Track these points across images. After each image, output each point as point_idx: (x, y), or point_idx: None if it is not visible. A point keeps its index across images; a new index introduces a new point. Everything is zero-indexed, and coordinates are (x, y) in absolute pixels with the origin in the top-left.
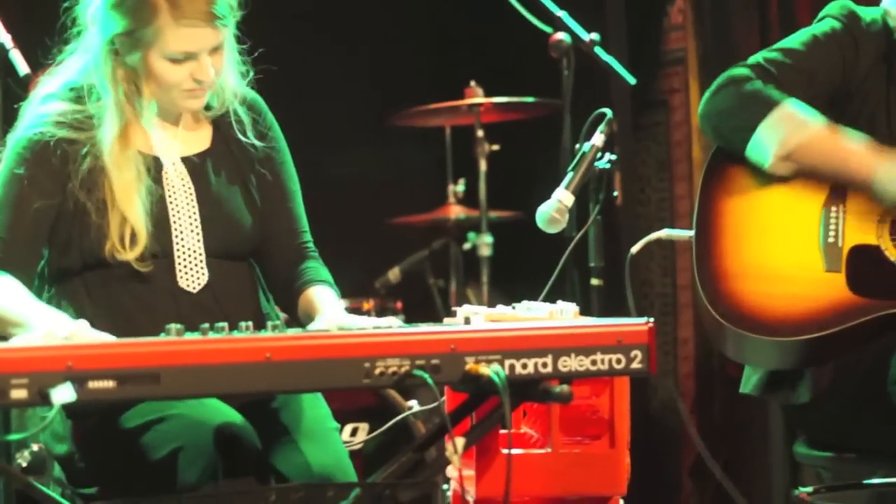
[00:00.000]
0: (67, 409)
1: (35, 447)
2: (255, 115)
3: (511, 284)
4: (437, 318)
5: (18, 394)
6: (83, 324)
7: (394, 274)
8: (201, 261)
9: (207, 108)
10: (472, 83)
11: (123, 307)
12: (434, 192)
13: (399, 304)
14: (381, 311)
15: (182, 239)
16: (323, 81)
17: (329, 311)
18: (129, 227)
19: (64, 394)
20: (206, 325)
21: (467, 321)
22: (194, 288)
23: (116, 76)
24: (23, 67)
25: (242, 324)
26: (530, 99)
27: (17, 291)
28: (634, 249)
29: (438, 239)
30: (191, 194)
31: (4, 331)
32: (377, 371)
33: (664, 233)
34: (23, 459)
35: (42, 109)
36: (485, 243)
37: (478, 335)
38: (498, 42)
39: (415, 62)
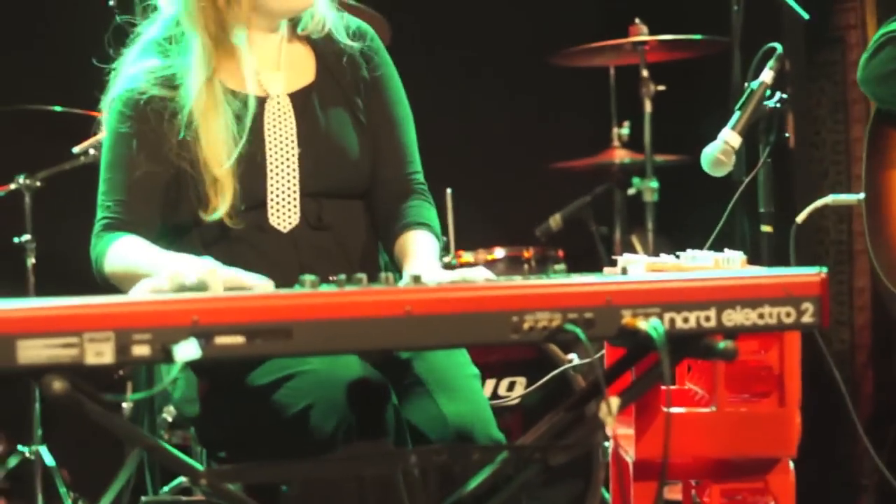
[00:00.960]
0: (195, 367)
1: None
2: (360, 34)
3: (677, 231)
4: (599, 267)
5: (141, 350)
6: (211, 261)
7: (555, 221)
8: (296, 201)
9: (304, 28)
10: (637, 20)
11: (244, 257)
12: (597, 135)
13: (560, 253)
14: (542, 260)
15: (279, 180)
16: (483, 21)
17: (414, 261)
18: (221, 184)
19: (188, 350)
20: (343, 277)
21: (625, 272)
22: (284, 228)
23: (199, 21)
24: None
25: (382, 275)
26: (697, 36)
27: (142, 245)
28: (800, 219)
29: (601, 184)
30: (293, 132)
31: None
32: (526, 325)
33: (830, 199)
34: (168, 414)
35: (131, 70)
36: (650, 188)
37: (635, 287)
38: None
39: (577, 1)
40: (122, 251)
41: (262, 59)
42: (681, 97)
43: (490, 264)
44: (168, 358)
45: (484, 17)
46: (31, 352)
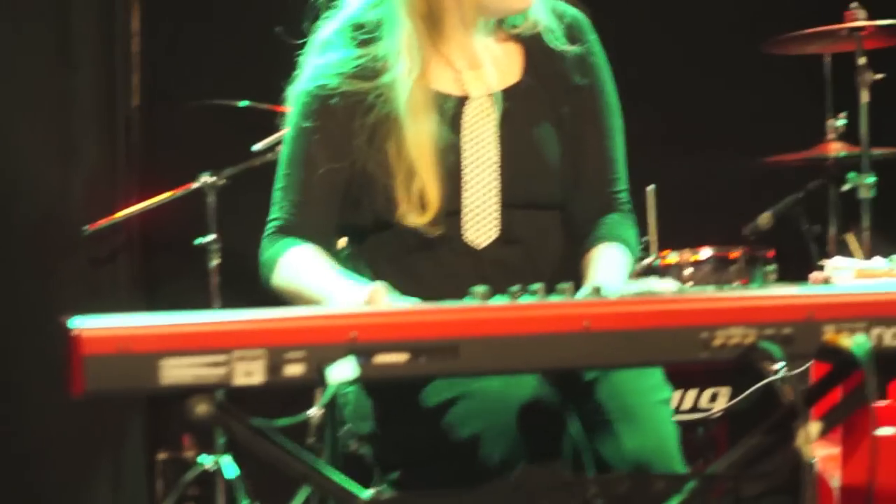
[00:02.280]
0: (367, 384)
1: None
2: (574, 31)
3: (895, 230)
4: (811, 269)
5: (294, 369)
6: (380, 288)
7: (764, 219)
8: (496, 212)
9: (513, 25)
10: (854, 4)
11: (421, 269)
12: (810, 127)
13: (770, 253)
14: (751, 260)
15: (476, 189)
16: (691, 8)
17: (597, 273)
18: (418, 188)
19: (342, 371)
20: (517, 288)
21: (828, 282)
22: (481, 244)
23: (413, 3)
24: None
25: (561, 285)
26: None
27: (313, 262)
28: None
29: (815, 179)
30: (493, 136)
31: None
32: (716, 342)
33: None
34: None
35: (320, 60)
36: (866, 184)
37: (838, 299)
38: None
39: None
40: (292, 266)
41: (466, 57)
42: None
43: (696, 265)
44: (321, 379)
45: (692, 3)
46: (176, 371)
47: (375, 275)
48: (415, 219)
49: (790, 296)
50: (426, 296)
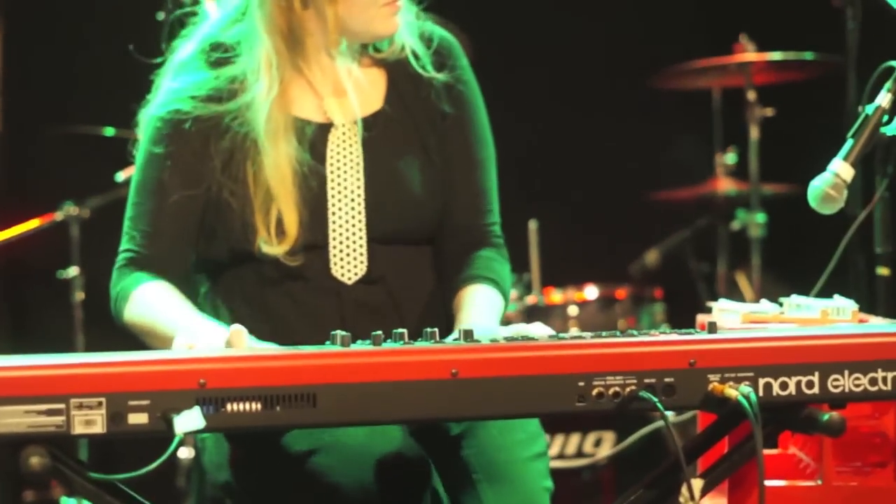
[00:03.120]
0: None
1: None
2: (443, 57)
3: (786, 269)
4: (700, 309)
5: (138, 418)
6: (238, 332)
7: (652, 257)
8: (361, 247)
9: (377, 49)
10: (742, 38)
11: (280, 308)
12: (699, 163)
13: (658, 292)
14: (637, 300)
15: (342, 222)
16: (574, 40)
17: (468, 316)
18: (275, 216)
19: (190, 421)
20: (379, 333)
21: (713, 328)
22: (350, 279)
23: (274, 20)
24: None
25: (428, 330)
26: (809, 55)
27: (166, 298)
28: None
29: (703, 217)
30: (358, 166)
31: (159, 347)
32: (594, 392)
33: None
34: None
35: (174, 84)
36: (756, 222)
37: (723, 346)
38: None
39: (676, 15)
40: (144, 301)
41: (328, 82)
42: (791, 122)
43: (581, 305)
44: (168, 429)
45: (574, 35)
46: (8, 420)
47: (232, 315)
48: (273, 248)
49: (672, 342)
50: (285, 338)
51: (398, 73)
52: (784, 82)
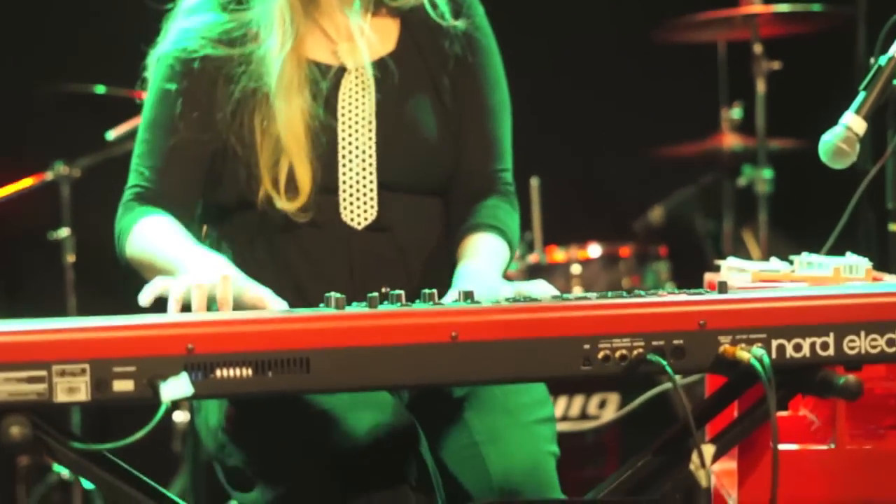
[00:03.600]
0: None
1: None
2: (459, 5)
3: (794, 226)
4: (706, 268)
5: (123, 385)
6: (234, 274)
7: (656, 214)
8: (372, 191)
9: None
10: None
11: (287, 254)
12: (704, 118)
13: (662, 250)
14: (642, 258)
15: (353, 167)
16: None
17: (469, 269)
18: (284, 170)
19: (177, 388)
20: (375, 294)
21: (722, 288)
22: (359, 224)
23: None
24: None
25: (426, 291)
26: (817, 7)
27: (169, 231)
28: None
29: (709, 173)
30: (370, 110)
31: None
32: (600, 354)
33: None
34: None
35: (185, 23)
36: (763, 178)
37: (734, 306)
38: None
39: None
40: (146, 234)
41: (340, 28)
42: (798, 76)
43: (584, 263)
44: (155, 396)
45: None
46: None
47: (237, 259)
48: (283, 203)
49: (681, 302)
50: (291, 285)
51: (411, 19)
52: (791, 35)
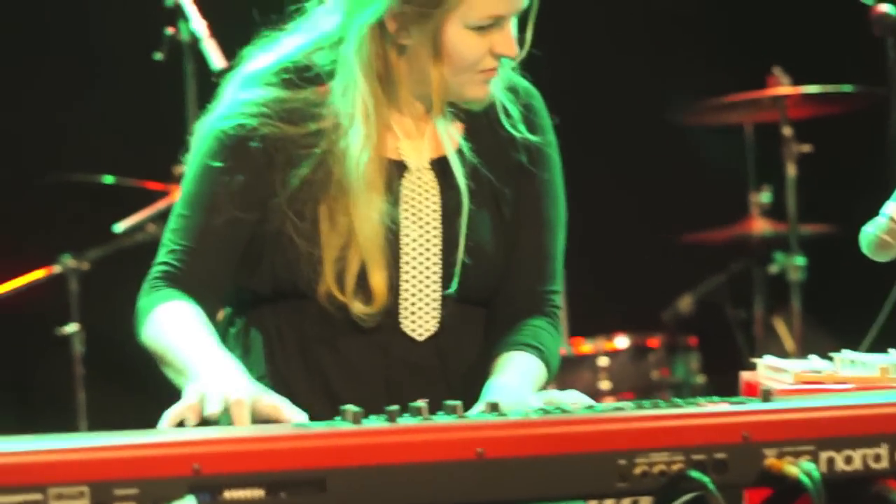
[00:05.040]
0: None
1: None
2: (531, 113)
3: (828, 315)
4: (737, 357)
5: None
6: (240, 403)
7: (685, 303)
8: (436, 300)
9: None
10: (776, 70)
11: (319, 355)
12: (732, 202)
13: (692, 340)
14: (671, 349)
15: (415, 276)
16: (600, 75)
17: (499, 384)
18: (353, 269)
19: None
20: (395, 408)
21: (766, 397)
22: (420, 335)
23: (371, 65)
24: (217, 61)
25: (449, 403)
26: (848, 87)
27: (188, 324)
28: None
29: (738, 260)
30: (434, 213)
31: (172, 377)
32: (637, 470)
33: None
34: None
35: (244, 95)
36: (795, 265)
37: (780, 417)
38: (806, 19)
39: (706, 46)
40: (164, 322)
41: (406, 122)
42: (829, 158)
43: (611, 355)
44: None
45: (601, 70)
46: None
47: (266, 351)
48: (356, 306)
49: (723, 413)
50: (324, 387)
51: (477, 122)
52: (821, 116)
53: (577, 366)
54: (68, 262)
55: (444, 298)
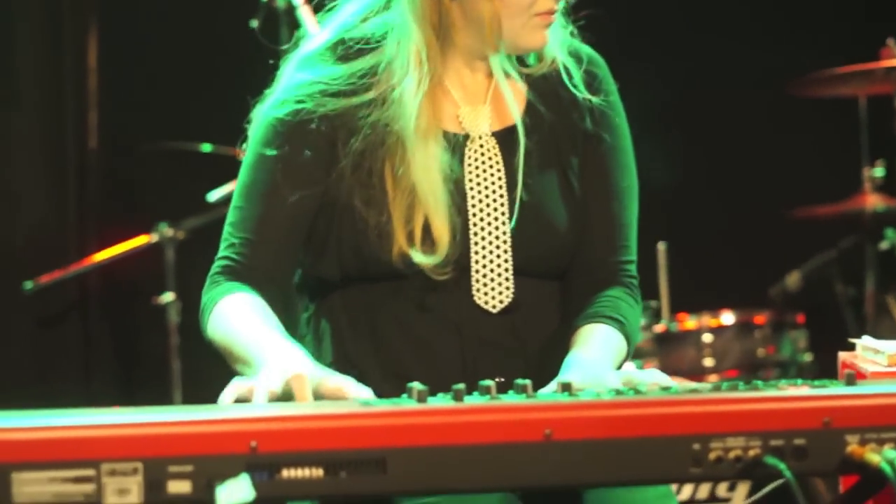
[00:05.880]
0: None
1: None
2: (593, 77)
3: None
4: (846, 336)
5: (179, 487)
6: (300, 378)
7: (793, 280)
8: (507, 270)
9: (522, 63)
10: (891, 41)
11: (391, 337)
12: (844, 177)
13: (800, 318)
14: (777, 326)
15: (486, 244)
16: (706, 45)
17: (576, 359)
18: (419, 223)
19: (236, 491)
20: (461, 386)
21: (850, 380)
22: (494, 307)
23: (425, 10)
24: (312, 28)
25: (519, 382)
26: None
27: (250, 314)
28: None
29: (849, 236)
30: (499, 183)
31: (240, 370)
32: (711, 455)
33: None
34: None
35: (301, 76)
36: None
37: (863, 402)
38: None
39: (818, 17)
40: (227, 315)
41: (466, 89)
42: None
43: (716, 331)
44: (213, 501)
45: (706, 40)
46: (31, 488)
47: (336, 339)
48: (421, 258)
49: (804, 397)
50: (396, 370)
51: (540, 89)
52: None
53: (681, 342)
54: (165, 230)
55: (516, 270)
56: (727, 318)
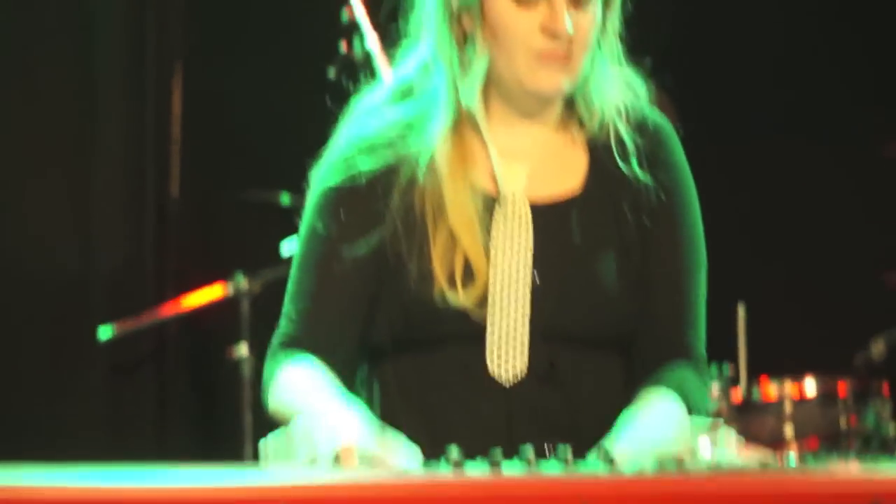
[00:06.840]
0: None
1: None
2: (649, 141)
3: None
4: None
5: None
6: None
7: (878, 347)
8: (524, 335)
9: (581, 125)
10: None
11: (434, 402)
12: None
13: (885, 387)
14: (860, 397)
15: (504, 304)
16: (793, 100)
17: (627, 418)
18: (460, 262)
19: None
20: (498, 452)
21: None
22: (507, 379)
23: (452, 38)
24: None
25: (561, 445)
26: None
27: (310, 381)
28: None
29: None
30: (525, 249)
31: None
32: None
33: None
34: None
35: (353, 132)
36: None
37: None
38: None
39: None
40: (287, 385)
41: (509, 143)
42: None
43: (798, 404)
44: None
45: (795, 95)
46: None
47: (385, 403)
48: (458, 298)
49: (851, 479)
50: (443, 436)
51: (600, 149)
52: None
53: (760, 412)
54: (241, 282)
55: (538, 338)
56: (809, 384)
